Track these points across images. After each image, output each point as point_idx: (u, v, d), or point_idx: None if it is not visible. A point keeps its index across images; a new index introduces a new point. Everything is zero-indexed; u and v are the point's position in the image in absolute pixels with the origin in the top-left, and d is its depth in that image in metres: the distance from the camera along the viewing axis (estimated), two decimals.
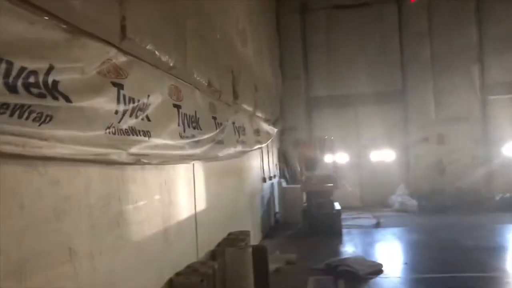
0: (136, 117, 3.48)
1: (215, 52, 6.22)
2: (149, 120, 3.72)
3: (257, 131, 9.18)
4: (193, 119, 4.99)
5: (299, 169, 11.54)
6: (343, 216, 10.85)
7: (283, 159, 13.75)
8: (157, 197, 4.00)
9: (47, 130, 2.26)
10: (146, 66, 3.69)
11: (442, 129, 13.67)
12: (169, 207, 4.28)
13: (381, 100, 14.14)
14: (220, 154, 6.27)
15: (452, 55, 13.61)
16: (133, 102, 3.38)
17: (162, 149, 3.97)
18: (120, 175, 3.31)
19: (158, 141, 3.87)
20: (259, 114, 9.69)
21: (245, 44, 8.45)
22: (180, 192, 4.67)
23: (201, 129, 5.21)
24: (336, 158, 13.39)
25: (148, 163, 3.59)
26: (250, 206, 8.55)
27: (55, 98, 2.31)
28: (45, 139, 2.25)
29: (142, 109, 3.58)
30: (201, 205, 5.33)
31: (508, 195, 12.02)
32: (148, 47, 3.73)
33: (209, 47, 5.87)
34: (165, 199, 4.19)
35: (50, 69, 2.29)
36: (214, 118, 5.90)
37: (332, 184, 9.80)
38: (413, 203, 12.54)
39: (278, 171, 12.95)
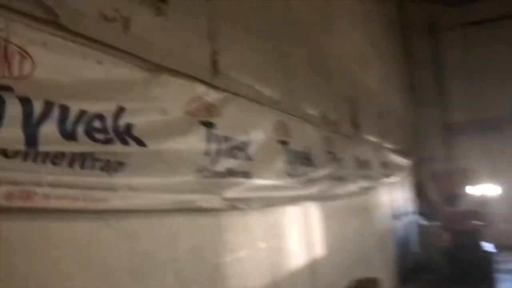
0: (234, 157, 3.18)
1: (329, 81, 5.77)
2: (249, 159, 3.40)
3: (385, 164, 8.33)
4: (304, 156, 4.56)
5: (438, 204, 10.19)
6: (498, 258, 9.20)
7: (420, 193, 12.37)
8: (263, 244, 3.60)
9: (115, 179, 2.03)
10: (244, 102, 3.40)
11: None
12: (279, 255, 3.84)
13: None
14: (340, 191, 5.69)
15: None
16: (229, 141, 3.09)
17: (266, 191, 3.59)
18: (215, 222, 2.99)
19: (261, 182, 3.51)
20: (387, 145, 8.84)
21: (366, 70, 7.83)
22: (292, 237, 4.20)
23: (315, 166, 4.75)
24: (484, 190, 11.65)
25: (245, 208, 3.22)
26: (379, 247, 7.65)
27: (125, 143, 2.08)
28: (113, 189, 2.02)
29: (240, 148, 3.27)
30: (318, 250, 4.78)
31: None
32: (246, 81, 3.45)
33: (322, 76, 5.45)
34: (274, 246, 3.77)
35: (120, 111, 2.09)
36: (330, 152, 5.38)
37: (479, 222, 8.35)
38: None
39: (414, 207, 11.66)
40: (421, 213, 11.87)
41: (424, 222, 10.84)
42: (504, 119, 12.31)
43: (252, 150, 3.44)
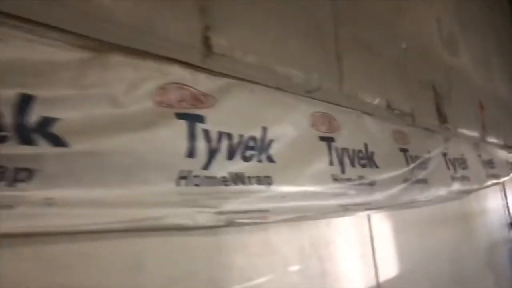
0: (244, 158, 2.51)
1: (401, 65, 4.78)
2: (271, 160, 2.70)
3: (490, 162, 6.90)
4: (361, 155, 3.69)
5: None
6: None
7: None
8: (294, 267, 2.84)
9: (13, 192, 1.50)
10: (258, 89, 2.71)
11: None
12: (322, 279, 3.04)
13: None
14: (421, 197, 4.63)
15: None
16: (230, 139, 2.43)
17: (297, 200, 2.84)
18: (214, 241, 2.33)
19: (289, 189, 2.79)
20: (492, 140, 7.37)
21: (455, 51, 6.56)
22: (343, 256, 3.36)
23: (377, 167, 3.85)
24: None
25: (259, 222, 2.51)
26: (488, 264, 6.28)
27: (29, 142, 1.55)
28: (10, 206, 1.48)
29: (253, 147, 2.59)
30: (389, 272, 3.84)
31: None
32: (260, 64, 2.77)
33: (388, 59, 4.50)
34: (312, 268, 2.98)
35: (26, 100, 1.57)
36: (404, 150, 4.40)
37: None
38: None
39: None
40: None
41: None
42: None
43: (275, 149, 2.74)
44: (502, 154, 7.66)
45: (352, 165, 3.52)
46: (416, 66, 5.07)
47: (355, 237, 3.58)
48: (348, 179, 3.39)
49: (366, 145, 3.78)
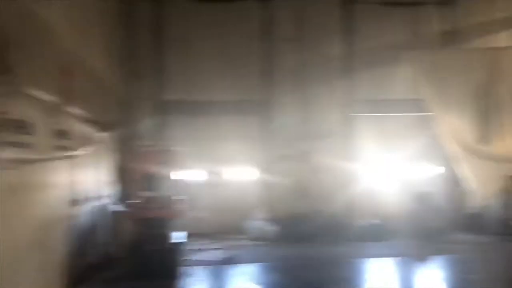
0: None
1: None
2: None
3: (64, 133, 6.37)
4: None
5: (134, 187, 8.84)
6: (188, 248, 8.61)
7: (121, 174, 10.90)
8: None
9: None
10: None
11: (306, 146, 12.29)
12: None
13: (242, 110, 12.36)
14: None
15: (320, 66, 12.48)
16: None
17: None
18: None
19: None
20: (75, 111, 6.91)
21: None
22: None
23: None
24: (185, 175, 11.20)
25: None
26: (39, 244, 5.64)
27: None
28: None
29: None
30: None
31: (373, 221, 10.88)
32: None
33: None
34: None
35: None
36: None
37: (169, 209, 7.38)
38: (272, 230, 10.76)
39: (111, 190, 10.05)
40: (121, 197, 10.41)
41: (117, 208, 9.35)
42: (213, 103, 12.19)
43: None
44: (82, 127, 7.36)
45: None
46: None
47: None
48: None
49: None
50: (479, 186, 10.52)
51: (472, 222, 11.32)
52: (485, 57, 10.99)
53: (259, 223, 10.96)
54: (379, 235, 10.42)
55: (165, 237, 7.06)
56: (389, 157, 12.25)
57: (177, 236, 7.52)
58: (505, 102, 10.91)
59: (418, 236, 10.34)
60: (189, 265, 7.90)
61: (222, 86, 12.09)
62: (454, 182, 12.38)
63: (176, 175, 8.65)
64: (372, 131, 12.26)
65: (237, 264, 8.19)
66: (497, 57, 10.98)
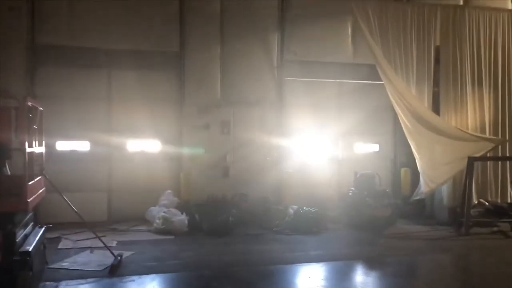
0: None
1: None
2: None
3: None
4: None
5: None
6: (66, 246, 6.58)
7: None
8: None
9: None
10: None
11: (228, 114, 9.92)
12: None
13: (147, 63, 9.56)
14: None
15: (248, 14, 9.98)
16: None
17: None
18: None
19: None
20: None
21: None
22: None
23: None
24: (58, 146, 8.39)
25: None
26: None
27: None
28: None
29: None
30: None
31: (301, 209, 8.75)
32: None
33: None
34: None
35: None
36: None
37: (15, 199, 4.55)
38: (181, 219, 8.29)
39: None
40: None
41: None
42: (105, 52, 9.27)
43: None
44: None
45: None
46: None
47: None
48: None
49: None
50: (428, 167, 8.98)
51: (418, 211, 9.82)
52: (444, 13, 9.34)
53: (166, 211, 8.41)
54: (312, 225, 8.40)
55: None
56: (324, 131, 10.31)
57: (31, 240, 4.79)
58: (464, 67, 9.46)
59: (359, 227, 8.58)
60: (64, 273, 5.33)
61: (122, 31, 9.29)
62: (397, 163, 10.90)
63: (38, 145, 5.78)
64: (307, 99, 10.22)
65: (122, 276, 5.60)
66: (456, 15, 9.40)
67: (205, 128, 9.73)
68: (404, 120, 8.78)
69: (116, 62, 9.28)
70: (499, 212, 8.76)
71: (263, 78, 10.12)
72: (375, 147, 10.89)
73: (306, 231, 8.24)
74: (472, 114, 9.35)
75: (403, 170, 10.50)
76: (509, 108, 9.68)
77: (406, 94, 8.68)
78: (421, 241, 7.96)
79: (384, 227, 8.63)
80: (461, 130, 8.82)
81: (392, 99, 8.89)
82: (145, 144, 9.59)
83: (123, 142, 9.35)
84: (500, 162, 9.46)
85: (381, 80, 9.86)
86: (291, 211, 8.94)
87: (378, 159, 10.81)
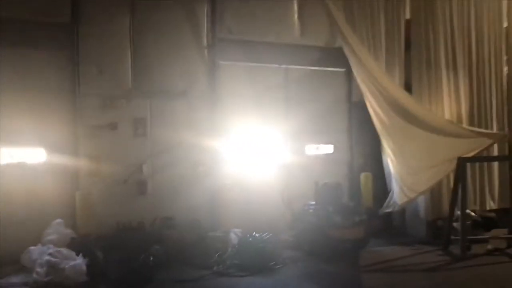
0: None
1: None
2: None
3: None
4: None
5: None
6: None
7: None
8: None
9: None
10: None
11: (143, 109, 7.33)
12: None
13: (24, 39, 6.71)
14: None
15: None
16: None
17: None
18: None
19: None
20: None
21: None
22: None
23: None
24: None
25: None
26: None
27: None
28: None
29: None
30: None
31: (248, 235, 6.48)
32: None
33: None
34: None
35: None
36: None
37: None
38: (76, 265, 5.54)
39: None
40: None
41: None
42: None
43: None
44: None
45: None
46: None
47: None
48: None
49: None
50: (408, 172, 7.12)
51: (385, 226, 7.95)
52: None
53: (47, 253, 5.61)
54: (265, 259, 6.13)
55: None
56: (270, 129, 8.10)
57: None
58: (438, 47, 7.77)
59: (325, 256, 6.47)
60: None
61: None
62: (354, 167, 8.96)
63: None
64: (247, 89, 7.97)
65: None
66: None
67: (111, 128, 7.02)
68: (379, 113, 6.86)
69: None
70: (488, 224, 7.15)
71: (190, 61, 7.64)
72: (329, 148, 8.88)
73: (258, 269, 5.93)
74: (448, 102, 7.70)
75: (363, 175, 8.55)
76: (484, 96, 8.15)
77: (383, 79, 6.74)
78: (417, 274, 5.91)
79: (356, 252, 6.63)
80: (454, 124, 7.10)
81: (363, 86, 6.93)
82: (23, 154, 6.68)
83: None
84: (477, 164, 7.89)
85: (334, 67, 8.07)
86: (234, 238, 6.62)
87: (332, 163, 8.81)
